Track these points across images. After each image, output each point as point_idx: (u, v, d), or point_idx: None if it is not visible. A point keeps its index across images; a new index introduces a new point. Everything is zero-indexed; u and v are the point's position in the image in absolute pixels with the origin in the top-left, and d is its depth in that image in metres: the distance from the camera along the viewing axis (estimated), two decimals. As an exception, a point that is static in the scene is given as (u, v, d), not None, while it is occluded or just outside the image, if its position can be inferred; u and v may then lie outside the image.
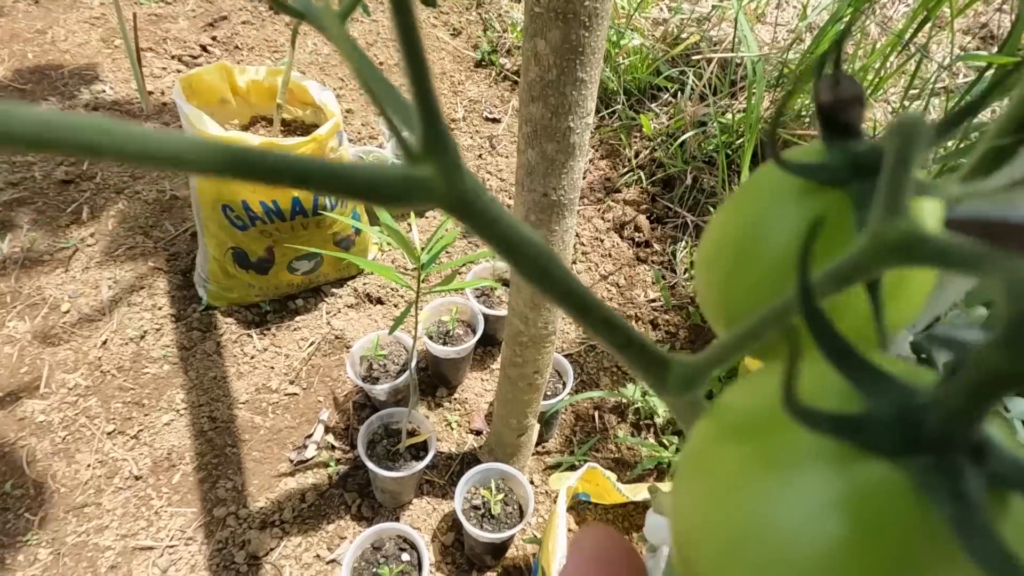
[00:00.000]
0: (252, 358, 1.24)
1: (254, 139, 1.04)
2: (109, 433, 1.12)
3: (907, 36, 1.33)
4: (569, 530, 0.85)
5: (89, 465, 1.08)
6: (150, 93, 1.66)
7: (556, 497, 1.10)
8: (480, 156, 1.73)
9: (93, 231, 1.39)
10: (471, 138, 1.78)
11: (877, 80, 1.48)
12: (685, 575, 0.12)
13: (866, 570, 0.09)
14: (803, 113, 1.59)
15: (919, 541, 0.09)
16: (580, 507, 0.88)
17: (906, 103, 1.54)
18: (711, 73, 1.63)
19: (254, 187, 1.08)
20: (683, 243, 1.52)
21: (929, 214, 0.14)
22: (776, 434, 0.11)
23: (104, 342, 1.22)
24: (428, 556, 0.91)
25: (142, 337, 1.24)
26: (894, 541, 0.09)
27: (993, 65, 1.07)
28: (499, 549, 1.01)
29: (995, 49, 1.96)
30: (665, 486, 0.81)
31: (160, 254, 1.37)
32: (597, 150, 1.77)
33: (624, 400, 1.25)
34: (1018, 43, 0.97)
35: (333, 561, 1.02)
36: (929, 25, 1.33)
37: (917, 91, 1.52)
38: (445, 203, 0.12)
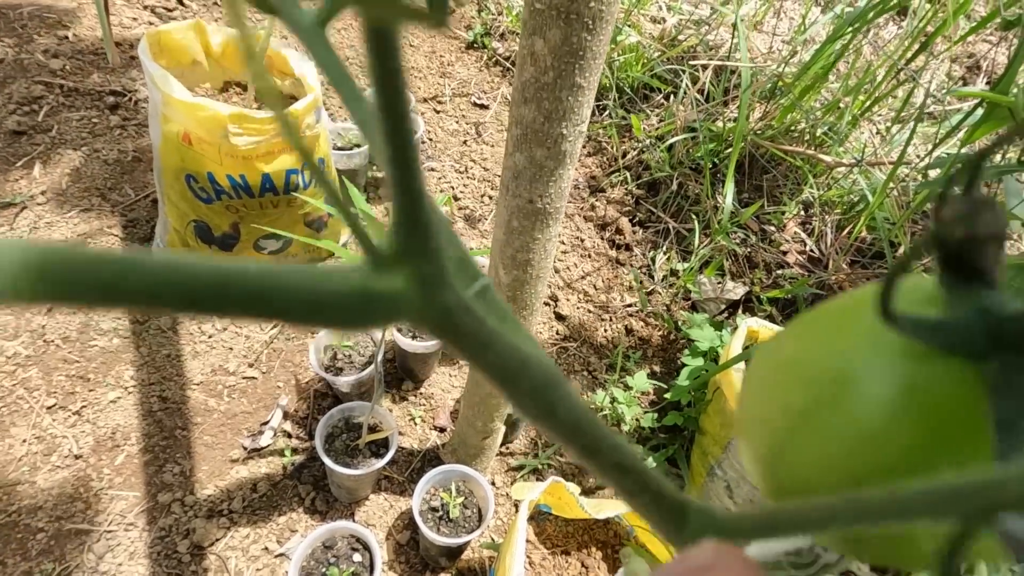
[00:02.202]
0: (210, 337, 1.19)
1: (223, 106, 0.98)
2: (49, 408, 1.05)
3: (901, 64, 1.32)
4: (528, 541, 0.83)
5: (25, 440, 1.01)
6: (117, 45, 1.55)
7: (517, 503, 1.08)
8: (465, 143, 1.68)
9: (45, 188, 1.30)
10: (457, 123, 1.73)
11: (869, 102, 1.48)
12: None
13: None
14: (792, 128, 1.58)
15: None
16: (540, 517, 0.87)
17: (894, 128, 1.55)
18: (706, 79, 1.61)
19: (221, 158, 1.02)
20: (663, 249, 1.51)
21: None
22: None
23: (49, 309, 1.15)
24: (380, 558, 0.88)
25: (92, 307, 1.17)
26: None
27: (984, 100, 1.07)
28: (455, 552, 0.99)
29: (981, 78, 1.99)
30: (625, 506, 0.80)
31: (117, 219, 1.29)
32: (585, 147, 1.74)
33: (593, 406, 1.23)
34: (1012, 81, 0.97)
35: (282, 555, 0.99)
36: (924, 53, 1.33)
37: (905, 115, 1.52)
38: (422, 321, 0.09)
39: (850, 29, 1.28)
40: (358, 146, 1.39)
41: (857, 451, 0.11)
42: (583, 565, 0.80)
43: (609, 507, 0.77)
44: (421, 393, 1.21)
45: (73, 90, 1.46)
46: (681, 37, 1.75)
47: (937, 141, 1.14)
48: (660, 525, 0.12)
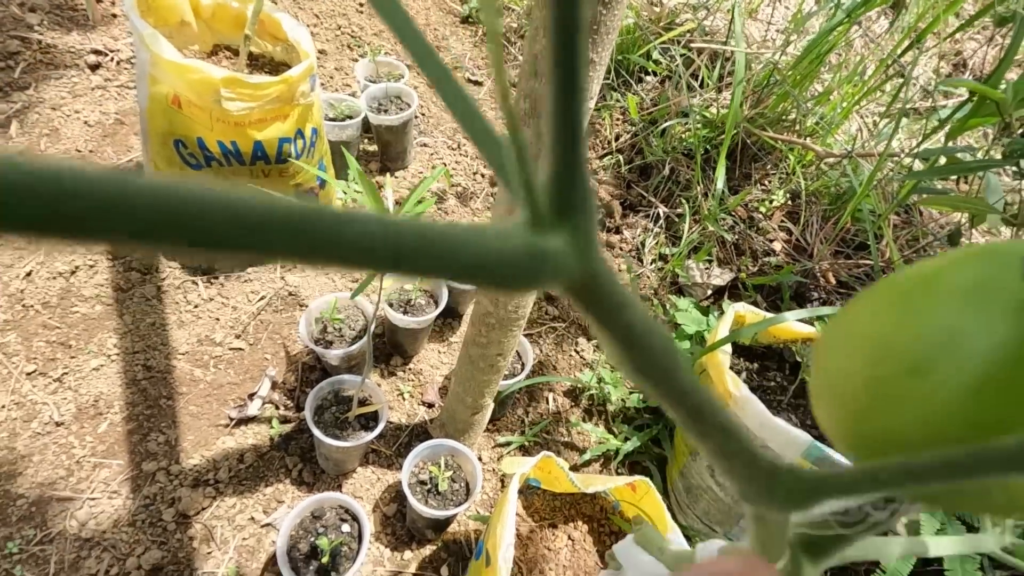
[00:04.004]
0: (196, 307, 1.17)
1: (215, 69, 0.95)
2: (29, 373, 1.03)
3: (894, 57, 1.34)
4: (516, 514, 0.84)
5: (3, 406, 0.99)
6: (99, 1, 1.49)
7: (505, 478, 1.10)
8: (458, 119, 1.66)
9: (22, 148, 1.25)
10: (450, 98, 1.70)
11: (859, 95, 1.50)
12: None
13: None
14: (784, 117, 1.60)
15: None
16: (528, 491, 0.88)
17: (882, 121, 1.57)
18: (701, 63, 1.61)
19: (212, 124, 0.99)
20: (653, 233, 1.52)
21: None
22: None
23: (28, 274, 1.12)
24: (369, 528, 0.89)
25: (73, 272, 1.14)
26: None
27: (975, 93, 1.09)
28: (442, 525, 1.00)
29: (967, 75, 2.02)
30: (613, 481, 0.82)
31: (99, 183, 1.26)
32: (578, 128, 1.73)
33: (579, 385, 1.25)
34: (1002, 77, 0.99)
35: (268, 525, 0.99)
36: (914, 48, 1.35)
37: (898, 109, 1.54)
38: (573, 285, 0.09)
39: (845, 20, 1.29)
40: (350, 117, 1.37)
41: (977, 402, 0.11)
42: (569, 538, 0.82)
43: (597, 482, 0.78)
44: (410, 369, 1.21)
45: (51, 47, 1.40)
46: (678, 21, 1.74)
47: (924, 135, 1.16)
48: (751, 486, 0.13)
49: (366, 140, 1.51)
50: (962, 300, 0.12)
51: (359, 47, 1.68)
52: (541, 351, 1.30)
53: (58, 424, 1.00)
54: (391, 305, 1.12)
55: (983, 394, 0.11)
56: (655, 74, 1.72)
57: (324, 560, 0.83)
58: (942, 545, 0.24)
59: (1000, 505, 0.12)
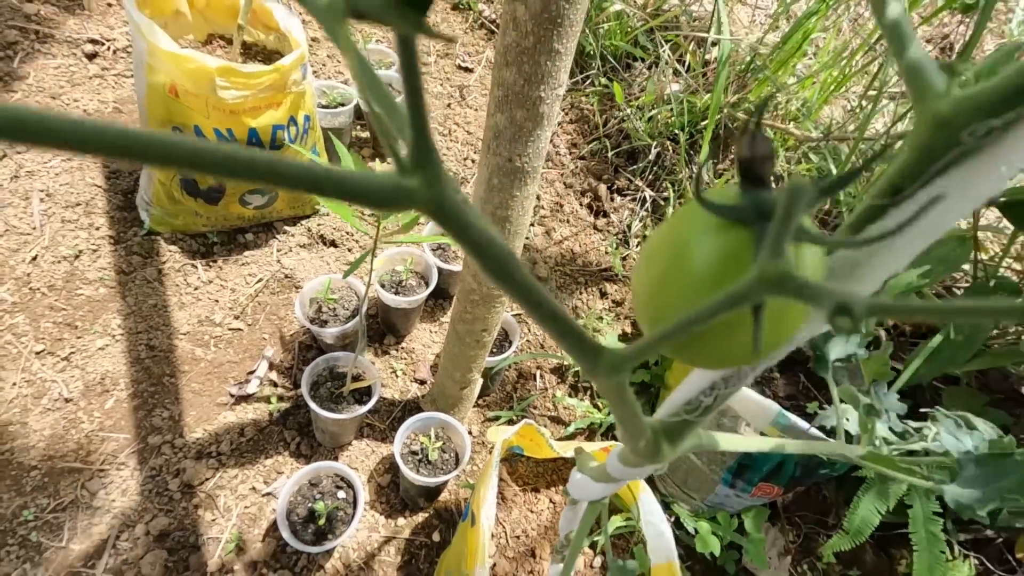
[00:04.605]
0: (196, 289, 1.21)
1: (210, 59, 0.98)
2: (38, 353, 1.08)
3: (869, 43, 1.37)
4: (502, 480, 0.90)
5: (15, 383, 1.04)
6: (94, -10, 1.51)
7: (492, 448, 1.15)
8: (449, 106, 1.70)
9: (24, 137, 1.29)
10: (441, 85, 1.73)
11: (841, 78, 1.53)
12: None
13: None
14: (768, 101, 1.63)
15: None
16: (513, 459, 0.93)
17: (863, 103, 1.60)
18: (687, 50, 1.64)
19: (208, 112, 1.03)
20: (639, 216, 1.56)
21: (809, 258, 0.17)
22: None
23: (34, 258, 1.16)
24: (363, 495, 0.94)
25: (77, 256, 1.18)
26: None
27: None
28: (433, 492, 1.06)
29: (952, 56, 2.05)
30: (591, 446, 0.87)
31: (99, 170, 1.29)
32: (567, 114, 1.76)
33: (565, 363, 1.30)
34: (968, 58, 1.03)
35: (269, 494, 1.04)
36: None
37: (875, 92, 1.58)
38: (427, 208, 0.14)
39: (831, 2, 1.32)
40: (342, 104, 1.40)
41: (695, 285, 0.16)
42: (551, 501, 0.88)
43: (575, 446, 0.84)
44: (402, 348, 1.26)
45: (48, 36, 1.43)
46: (665, 7, 1.77)
47: (897, 117, 1.20)
48: (583, 361, 0.18)
49: (358, 127, 1.54)
50: (693, 223, 0.17)
51: (351, 35, 1.71)
52: (529, 330, 1.35)
53: (67, 400, 1.05)
54: (383, 286, 1.17)
55: (705, 279, 0.16)
56: (642, 60, 1.75)
57: (321, 523, 0.89)
58: (752, 443, 0.29)
59: (723, 355, 0.17)
